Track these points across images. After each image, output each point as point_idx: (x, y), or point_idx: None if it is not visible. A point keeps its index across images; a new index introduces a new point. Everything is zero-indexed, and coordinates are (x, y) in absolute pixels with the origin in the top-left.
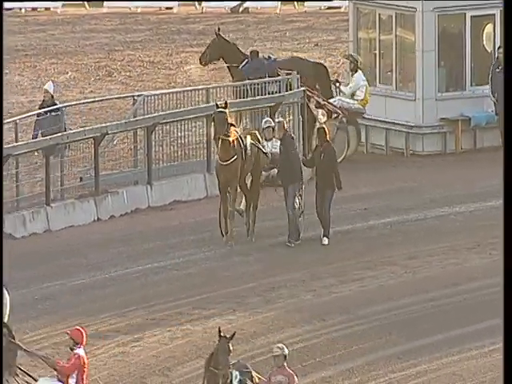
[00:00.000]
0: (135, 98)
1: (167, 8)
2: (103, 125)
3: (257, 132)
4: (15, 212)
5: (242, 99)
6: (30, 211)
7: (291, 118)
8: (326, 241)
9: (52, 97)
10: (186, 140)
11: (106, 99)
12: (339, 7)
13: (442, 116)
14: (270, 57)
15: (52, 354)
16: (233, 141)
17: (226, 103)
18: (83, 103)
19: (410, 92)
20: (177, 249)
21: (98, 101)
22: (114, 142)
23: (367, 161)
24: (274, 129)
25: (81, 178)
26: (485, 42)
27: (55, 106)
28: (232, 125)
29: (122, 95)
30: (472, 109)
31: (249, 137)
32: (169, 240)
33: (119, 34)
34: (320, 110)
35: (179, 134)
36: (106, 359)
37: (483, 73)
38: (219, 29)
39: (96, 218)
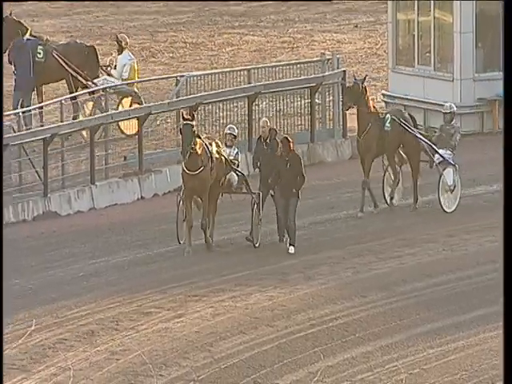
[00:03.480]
0: (178, 78)
1: None
2: (147, 105)
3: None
4: (61, 190)
5: (282, 80)
6: (75, 190)
7: (331, 98)
8: (292, 250)
9: None
10: (228, 120)
11: (150, 80)
12: None
13: (479, 96)
14: (35, 36)
15: (96, 329)
16: (199, 152)
17: (192, 115)
18: (127, 83)
19: (448, 73)
20: (218, 227)
21: (141, 81)
22: (158, 122)
23: None
24: (235, 136)
25: (125, 157)
26: None
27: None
28: (198, 136)
29: (165, 76)
30: None
31: (214, 144)
32: None
33: (162, 16)
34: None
35: (221, 113)
36: (150, 335)
37: None
38: (11, 12)
39: (140, 197)
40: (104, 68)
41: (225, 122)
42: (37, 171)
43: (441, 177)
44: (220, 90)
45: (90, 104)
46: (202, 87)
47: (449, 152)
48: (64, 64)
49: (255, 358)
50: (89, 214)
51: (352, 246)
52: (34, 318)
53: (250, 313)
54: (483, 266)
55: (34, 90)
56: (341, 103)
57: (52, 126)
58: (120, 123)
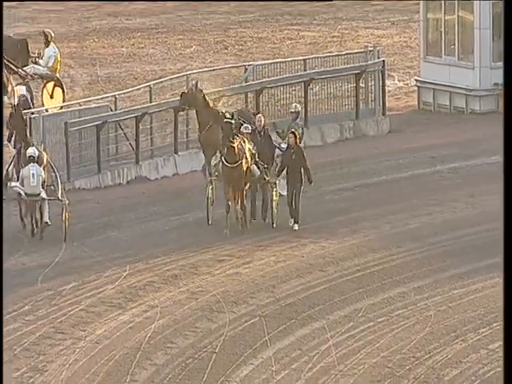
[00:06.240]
0: (246, 67)
1: None
2: (220, 89)
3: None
4: (150, 159)
5: (332, 68)
6: (162, 158)
7: (372, 82)
8: (296, 226)
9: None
10: (288, 101)
11: (223, 68)
12: None
13: (495, 81)
14: None
15: (179, 274)
16: (237, 147)
17: (232, 115)
18: (204, 71)
19: (470, 62)
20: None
21: (216, 69)
22: (229, 103)
23: (435, 118)
24: (250, 134)
25: None
26: None
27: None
28: (236, 134)
29: (235, 65)
30: None
31: (246, 140)
32: None
33: (233, 15)
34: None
35: (282, 95)
36: (223, 278)
37: None
38: None
39: None
40: (36, 59)
41: (285, 102)
42: (130, 143)
43: (276, 165)
44: (281, 77)
45: (20, 87)
46: (266, 74)
47: None
48: None
49: (310, 298)
50: (173, 179)
51: (390, 205)
52: (127, 264)
53: (305, 260)
54: (498, 221)
55: None
56: (381, 87)
57: (142, 106)
58: (45, 93)
